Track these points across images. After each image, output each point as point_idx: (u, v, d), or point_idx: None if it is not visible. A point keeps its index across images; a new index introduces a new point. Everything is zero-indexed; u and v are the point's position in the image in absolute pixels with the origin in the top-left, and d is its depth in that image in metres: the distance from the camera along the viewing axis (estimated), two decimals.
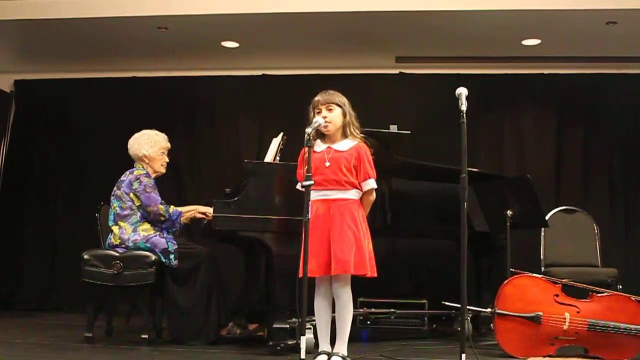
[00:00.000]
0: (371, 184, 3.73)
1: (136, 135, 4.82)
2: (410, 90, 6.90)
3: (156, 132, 4.84)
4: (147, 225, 4.60)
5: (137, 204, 4.58)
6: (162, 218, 4.58)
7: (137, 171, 4.67)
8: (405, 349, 4.49)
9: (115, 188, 4.69)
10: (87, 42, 6.64)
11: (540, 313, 3.96)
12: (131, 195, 4.59)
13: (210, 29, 6.25)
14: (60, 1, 6.02)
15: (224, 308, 4.63)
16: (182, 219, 4.65)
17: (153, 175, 4.74)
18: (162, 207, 4.58)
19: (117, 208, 4.61)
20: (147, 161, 4.75)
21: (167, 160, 4.86)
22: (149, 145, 4.75)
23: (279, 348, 4.03)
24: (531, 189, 4.61)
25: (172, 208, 4.62)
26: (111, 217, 4.64)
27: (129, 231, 4.55)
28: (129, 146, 4.79)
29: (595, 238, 5.68)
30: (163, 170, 4.84)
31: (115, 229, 4.59)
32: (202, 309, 4.48)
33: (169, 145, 4.88)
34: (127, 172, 4.71)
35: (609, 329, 3.90)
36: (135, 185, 4.59)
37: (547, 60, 6.74)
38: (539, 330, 3.96)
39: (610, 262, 5.59)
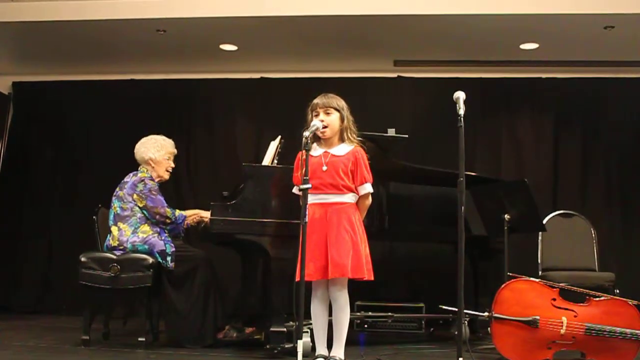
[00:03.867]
0: (367, 188, 3.74)
1: (144, 139, 4.84)
2: (408, 93, 6.91)
3: (164, 137, 4.87)
4: (146, 227, 4.60)
5: (140, 205, 4.58)
6: (168, 220, 4.60)
7: (142, 174, 4.68)
8: (402, 352, 4.50)
9: (117, 189, 4.69)
10: (85, 45, 6.64)
11: (538, 317, 3.96)
12: (134, 196, 4.59)
13: (208, 31, 6.26)
14: (58, 3, 6.02)
15: (221, 311, 4.63)
16: (185, 222, 4.68)
17: (156, 180, 4.74)
18: (168, 210, 4.60)
19: (118, 208, 4.61)
20: (152, 165, 4.75)
21: (172, 165, 4.87)
22: (156, 149, 4.76)
23: (276, 351, 4.03)
24: (528, 193, 4.62)
25: (177, 212, 4.65)
26: (111, 217, 4.64)
27: (128, 233, 4.55)
28: (135, 149, 4.80)
29: (593, 242, 5.69)
30: (167, 176, 4.84)
31: (114, 229, 4.60)
32: (199, 312, 4.48)
33: (175, 151, 4.89)
34: (131, 174, 4.71)
35: (606, 333, 3.90)
36: (140, 187, 4.59)
37: (545, 64, 6.75)
38: (536, 335, 3.96)
39: (607, 267, 5.60)
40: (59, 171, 7.30)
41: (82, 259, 4.48)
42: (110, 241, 4.58)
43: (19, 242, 7.15)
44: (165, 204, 4.62)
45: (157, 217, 4.59)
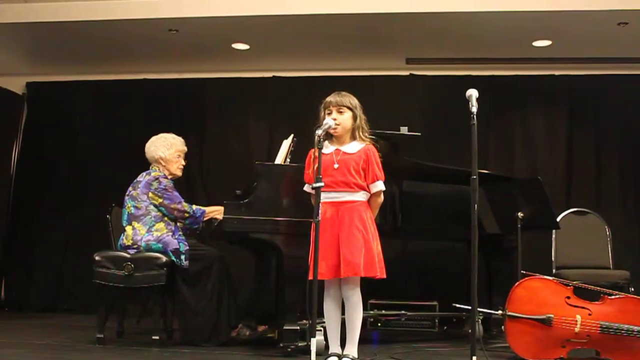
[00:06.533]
0: (379, 186, 3.73)
1: (153, 138, 4.85)
2: (420, 91, 6.90)
3: (173, 135, 4.88)
4: (160, 225, 4.61)
5: (156, 203, 4.59)
6: (187, 214, 4.62)
7: (155, 172, 4.70)
8: (415, 351, 4.49)
9: (130, 188, 4.71)
10: (98, 45, 6.68)
11: (552, 315, 3.94)
12: (150, 194, 4.60)
13: (220, 31, 6.27)
14: (71, 4, 6.06)
15: (234, 309, 4.64)
16: (204, 218, 4.70)
17: (169, 178, 4.76)
18: (185, 204, 4.63)
19: (132, 208, 4.63)
20: (163, 163, 4.77)
21: (183, 163, 4.88)
22: (165, 148, 4.78)
23: (289, 350, 4.04)
24: (542, 190, 4.60)
25: (194, 206, 4.67)
26: (125, 217, 4.66)
27: (143, 232, 4.56)
28: (145, 149, 4.82)
29: (607, 240, 5.65)
30: (179, 173, 4.85)
31: (128, 229, 4.61)
32: (213, 310, 4.49)
33: (185, 148, 4.90)
34: (144, 174, 4.73)
35: (621, 331, 3.87)
36: (155, 185, 4.60)
37: (558, 61, 6.72)
38: (550, 333, 3.94)
39: (622, 264, 5.56)
40: (73, 170, 7.33)
41: (96, 258, 4.51)
42: (124, 240, 4.60)
43: (34, 241, 7.20)
44: (182, 199, 4.64)
45: (176, 212, 4.61)
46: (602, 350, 3.97)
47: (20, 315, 6.42)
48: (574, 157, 6.68)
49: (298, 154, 4.58)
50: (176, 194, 4.64)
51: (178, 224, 4.69)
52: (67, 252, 7.10)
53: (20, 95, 7.56)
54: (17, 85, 7.53)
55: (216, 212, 4.73)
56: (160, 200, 4.60)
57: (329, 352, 3.68)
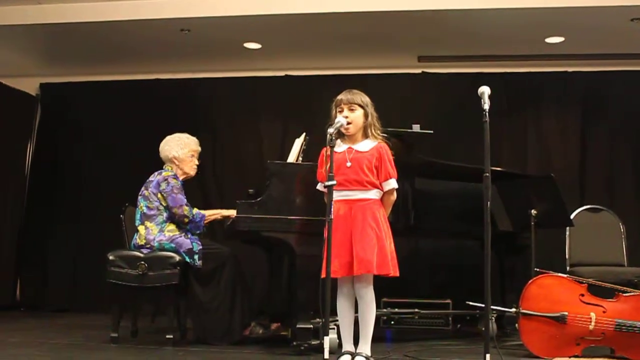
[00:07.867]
0: (392, 183, 3.73)
1: (168, 137, 4.88)
2: (432, 89, 6.88)
3: (187, 135, 4.91)
4: (172, 226, 4.63)
5: (164, 204, 4.62)
6: (186, 219, 4.62)
7: (166, 172, 4.72)
8: (429, 349, 4.48)
9: (143, 188, 4.73)
10: (110, 45, 6.70)
11: (566, 313, 3.93)
12: (159, 195, 4.63)
13: (232, 30, 6.28)
14: (84, 5, 6.08)
15: (247, 308, 4.65)
16: (205, 222, 4.69)
17: (182, 178, 4.78)
18: (186, 208, 4.62)
19: (144, 208, 4.65)
20: (176, 163, 4.79)
21: (197, 163, 4.90)
22: (179, 147, 4.80)
23: (302, 348, 4.04)
24: (555, 188, 4.58)
25: (195, 210, 4.66)
26: (138, 216, 4.69)
27: (155, 231, 4.59)
28: (160, 148, 4.84)
29: (622, 237, 5.61)
30: (192, 172, 4.88)
31: (141, 229, 4.64)
32: (226, 309, 4.50)
33: (199, 148, 4.92)
34: (156, 173, 4.76)
35: (636, 329, 3.85)
36: (163, 186, 4.63)
37: (571, 57, 6.68)
38: (565, 331, 3.93)
39: (636, 262, 5.52)
40: (86, 171, 7.36)
41: (110, 258, 4.54)
42: (138, 240, 4.63)
43: (48, 241, 7.24)
44: (184, 202, 4.63)
45: (177, 216, 4.62)
46: (617, 348, 3.95)
47: (35, 315, 6.46)
48: (588, 153, 6.64)
49: (310, 152, 4.59)
50: (180, 196, 4.64)
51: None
52: (81, 252, 7.14)
53: (34, 96, 7.61)
54: (30, 86, 7.57)
55: (215, 215, 4.76)
56: (166, 202, 4.62)
57: (342, 350, 3.69)
